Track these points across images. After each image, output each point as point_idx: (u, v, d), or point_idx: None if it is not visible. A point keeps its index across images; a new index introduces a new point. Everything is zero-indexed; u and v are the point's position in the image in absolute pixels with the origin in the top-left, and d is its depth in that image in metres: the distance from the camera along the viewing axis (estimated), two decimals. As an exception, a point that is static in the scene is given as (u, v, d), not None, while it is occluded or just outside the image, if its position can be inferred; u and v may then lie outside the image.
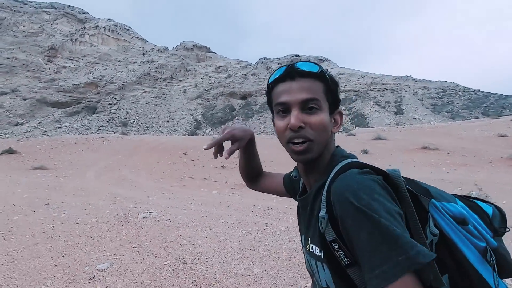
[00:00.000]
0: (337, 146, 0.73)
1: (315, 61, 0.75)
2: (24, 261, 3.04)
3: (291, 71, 0.68)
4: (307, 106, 0.66)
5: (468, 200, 0.68)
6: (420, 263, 0.48)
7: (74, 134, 41.28)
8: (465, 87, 53.54)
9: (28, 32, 68.48)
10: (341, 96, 55.43)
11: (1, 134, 39.22)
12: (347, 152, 0.72)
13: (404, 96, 53.19)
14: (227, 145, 0.87)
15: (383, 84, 58.27)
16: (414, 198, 0.61)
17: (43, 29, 70.98)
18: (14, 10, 71.81)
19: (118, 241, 3.56)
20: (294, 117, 0.65)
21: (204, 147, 0.84)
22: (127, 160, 11.19)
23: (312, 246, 0.67)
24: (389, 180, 0.60)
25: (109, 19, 79.21)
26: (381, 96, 54.70)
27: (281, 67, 0.70)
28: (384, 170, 0.62)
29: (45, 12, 75.35)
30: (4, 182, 7.41)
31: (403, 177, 0.63)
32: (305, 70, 0.67)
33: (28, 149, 12.98)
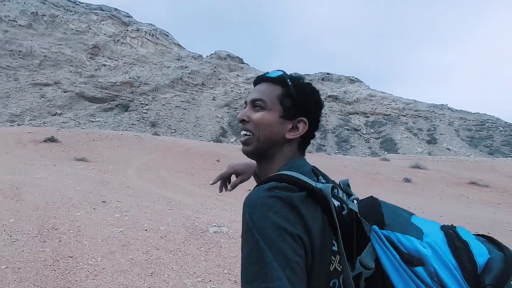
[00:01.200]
0: (301, 160, 0.74)
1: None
2: (110, 276, 2.73)
3: (258, 78, 0.80)
4: (255, 105, 0.75)
5: (459, 239, 0.56)
6: None
7: (106, 129, 42.87)
8: (506, 122, 50.47)
9: (76, 30, 73.23)
10: (371, 118, 54.03)
11: (41, 122, 41.49)
12: (301, 164, 0.71)
13: (438, 125, 50.97)
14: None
15: (416, 110, 56.33)
16: (358, 222, 0.60)
17: (90, 28, 75.64)
18: (66, 9, 77.32)
19: (203, 262, 3.27)
20: (241, 112, 0.77)
21: (211, 182, 0.94)
22: (162, 161, 11.18)
23: None
24: (315, 196, 0.59)
25: (151, 24, 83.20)
26: (413, 122, 52.79)
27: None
28: (312, 186, 0.61)
29: (94, 13, 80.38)
30: (53, 171, 7.53)
31: (372, 198, 0.64)
32: (266, 76, 0.77)
33: (68, 140, 13.38)
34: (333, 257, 0.58)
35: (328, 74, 68.53)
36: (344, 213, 0.62)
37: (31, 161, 8.31)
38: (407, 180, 11.22)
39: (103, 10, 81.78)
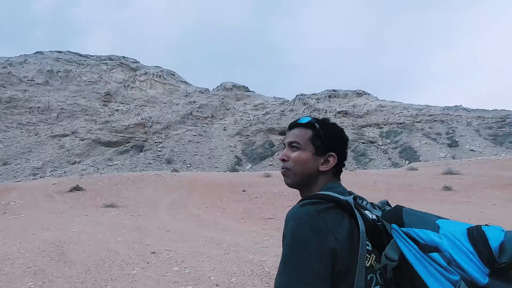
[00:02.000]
0: (334, 183, 0.90)
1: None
2: None
3: (291, 124, 0.98)
4: (292, 146, 0.92)
5: (477, 231, 0.65)
6: None
7: (124, 171, 43.50)
8: (528, 115, 48.57)
9: (89, 81, 77.35)
10: (385, 129, 53.04)
11: (61, 172, 42.57)
12: (336, 185, 0.87)
13: (456, 127, 49.49)
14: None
15: (430, 115, 55.19)
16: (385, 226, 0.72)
17: (101, 78, 79.80)
18: (79, 63, 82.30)
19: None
20: (281, 153, 0.95)
21: None
22: (189, 197, 10.96)
23: None
24: (342, 206, 0.73)
25: (157, 66, 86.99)
26: (429, 128, 51.50)
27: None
28: (338, 198, 0.74)
29: (104, 63, 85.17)
30: (86, 221, 7.44)
31: (398, 206, 0.76)
32: (298, 122, 0.95)
33: (92, 186, 13.43)
34: (368, 255, 0.68)
35: (334, 90, 68.89)
36: (371, 219, 0.73)
37: (63, 213, 8.25)
38: (447, 188, 10.47)
39: (112, 60, 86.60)
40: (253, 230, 6.39)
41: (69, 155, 51.22)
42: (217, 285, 3.59)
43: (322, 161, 0.90)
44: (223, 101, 73.23)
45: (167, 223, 7.08)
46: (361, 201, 0.80)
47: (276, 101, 74.25)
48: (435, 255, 0.61)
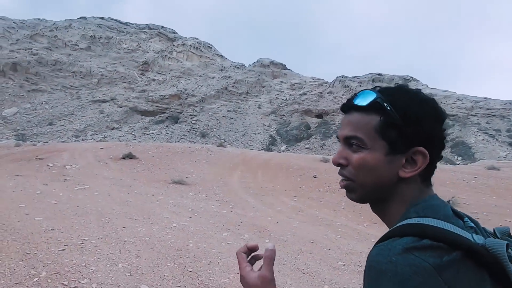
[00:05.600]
0: (434, 197, 0.56)
1: (376, 88, 0.61)
2: None
3: (344, 104, 0.61)
4: (350, 143, 0.58)
5: None
6: None
7: (160, 141, 43.90)
8: None
9: (128, 49, 78.15)
10: (435, 120, 48.85)
11: (101, 136, 43.76)
12: (438, 203, 0.54)
13: (519, 125, 44.28)
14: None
15: (488, 109, 49.82)
16: None
17: (140, 46, 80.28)
18: (119, 31, 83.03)
19: None
20: (336, 153, 0.60)
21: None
22: (254, 177, 9.81)
23: None
24: (481, 258, 0.43)
25: (195, 38, 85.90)
26: (486, 123, 46.58)
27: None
28: (471, 242, 0.44)
29: (143, 32, 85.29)
30: (172, 205, 6.09)
31: (502, 233, 0.51)
32: (354, 104, 0.58)
33: (143, 155, 12.69)
34: None
35: (379, 74, 64.27)
36: None
37: (132, 188, 7.23)
38: None
39: (151, 29, 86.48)
40: (363, 231, 4.98)
41: (108, 120, 52.63)
42: None
43: (404, 161, 0.55)
44: (259, 78, 71.20)
45: (270, 218, 5.61)
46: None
47: (315, 81, 70.87)
48: None
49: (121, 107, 59.42)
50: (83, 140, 40.32)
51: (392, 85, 0.60)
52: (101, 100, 60.36)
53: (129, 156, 11.39)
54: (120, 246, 3.80)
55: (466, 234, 0.44)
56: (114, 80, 69.60)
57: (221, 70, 79.47)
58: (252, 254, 0.64)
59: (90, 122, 51.02)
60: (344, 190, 0.61)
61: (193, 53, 79.59)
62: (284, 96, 65.97)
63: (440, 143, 0.56)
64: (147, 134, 47.65)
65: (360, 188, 0.58)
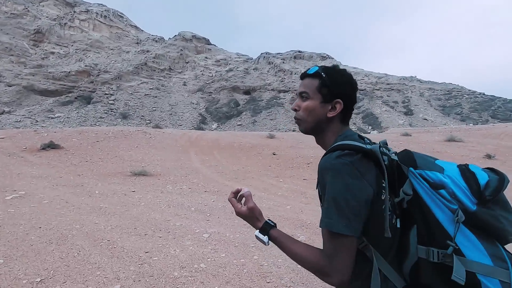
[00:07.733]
0: (348, 130, 0.96)
1: (319, 64, 1.05)
2: None
3: (302, 74, 0.99)
4: (302, 96, 0.96)
5: (469, 171, 0.82)
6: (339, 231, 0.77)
7: (71, 125, 37.77)
8: (470, 90, 54.10)
9: (11, 13, 62.86)
10: (349, 94, 54.50)
11: (-12, 123, 35.25)
12: (351, 133, 0.93)
13: (411, 97, 52.98)
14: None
15: (388, 84, 57.90)
16: (398, 167, 0.85)
17: (28, 11, 65.39)
18: (-5, -11, 65.73)
19: None
20: (294, 103, 0.99)
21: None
22: (216, 160, 9.13)
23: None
24: (370, 155, 0.82)
25: (101, 4, 74.39)
26: (387, 96, 54.26)
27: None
28: (365, 148, 0.83)
29: (30, -8, 69.43)
30: (162, 204, 4.86)
31: (407, 150, 0.89)
32: (307, 72, 0.97)
33: (67, 144, 10.57)
34: (383, 191, 0.81)
35: (299, 51, 67.51)
36: (386, 163, 0.84)
37: (83, 186, 5.52)
38: (489, 156, 10.04)
39: (41, -11, 70.81)
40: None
41: (-5, 103, 42.30)
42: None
43: (330, 108, 0.92)
44: (181, 53, 66.65)
45: (291, 204, 5.02)
46: (382, 148, 0.87)
47: (240, 57, 70.26)
48: (442, 191, 0.77)
49: (10, 86, 48.52)
50: (-40, 129, 31.74)
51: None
52: (-21, 77, 48.18)
53: (51, 146, 9.26)
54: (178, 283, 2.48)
55: (364, 145, 0.84)
56: (-5, 52, 55.86)
57: (137, 43, 71.40)
58: (238, 196, 0.99)
59: (-33, 105, 40.49)
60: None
61: (101, 22, 68.87)
62: (210, 73, 63.79)
63: (353, 99, 0.94)
64: (52, 118, 40.40)
65: (305, 122, 0.96)
